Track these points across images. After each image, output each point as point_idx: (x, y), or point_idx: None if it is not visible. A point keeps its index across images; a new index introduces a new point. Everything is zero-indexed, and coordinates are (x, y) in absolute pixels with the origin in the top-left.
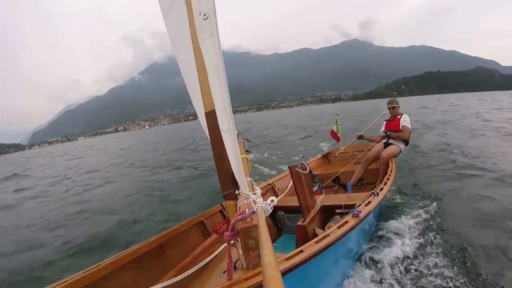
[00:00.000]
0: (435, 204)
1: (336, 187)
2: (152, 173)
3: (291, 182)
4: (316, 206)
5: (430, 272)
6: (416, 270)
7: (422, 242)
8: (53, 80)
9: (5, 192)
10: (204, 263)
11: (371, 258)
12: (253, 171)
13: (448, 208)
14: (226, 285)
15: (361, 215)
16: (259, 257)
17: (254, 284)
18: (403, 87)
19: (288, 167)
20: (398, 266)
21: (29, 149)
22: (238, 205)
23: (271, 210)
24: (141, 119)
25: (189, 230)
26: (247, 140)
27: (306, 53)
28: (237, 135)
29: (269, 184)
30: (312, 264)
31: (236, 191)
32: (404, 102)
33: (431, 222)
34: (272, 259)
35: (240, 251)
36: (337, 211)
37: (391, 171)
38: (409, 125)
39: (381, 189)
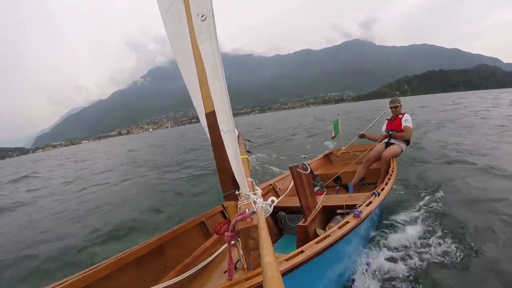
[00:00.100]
0: (434, 201)
1: (338, 187)
2: (165, 172)
3: (292, 182)
4: (317, 207)
5: (431, 272)
6: (417, 270)
7: (423, 242)
8: (56, 84)
9: (18, 191)
10: (204, 264)
11: (372, 258)
12: (263, 171)
13: (447, 205)
14: (227, 286)
15: (362, 215)
16: (260, 257)
17: (254, 284)
18: (405, 86)
19: (289, 167)
20: (399, 266)
21: (33, 152)
22: (239, 206)
23: (271, 210)
24: (144, 123)
25: (190, 230)
26: (248, 140)
27: (307, 54)
28: (238, 136)
29: (270, 184)
30: (313, 264)
31: (237, 191)
32: (406, 102)
33: (432, 221)
34: (272, 259)
35: (241, 251)
36: (338, 211)
37: (392, 171)
38: (411, 125)
39: (382, 189)
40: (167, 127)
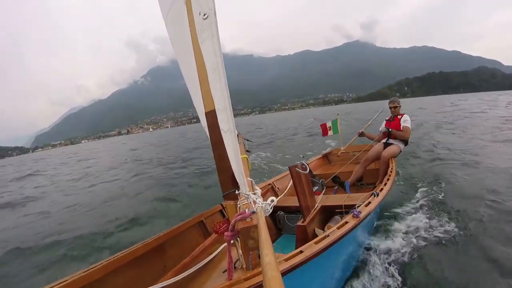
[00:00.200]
0: (430, 198)
1: (336, 187)
2: (172, 168)
3: (291, 182)
4: (316, 206)
5: (429, 271)
6: (416, 270)
7: (422, 242)
8: (56, 84)
9: (25, 188)
10: (203, 263)
11: (371, 259)
12: (263, 171)
13: (442, 201)
14: (226, 285)
15: (361, 215)
16: (259, 257)
17: (254, 284)
18: (405, 88)
19: (288, 167)
20: (398, 266)
21: (32, 152)
22: (238, 205)
23: (271, 210)
24: (144, 122)
25: (189, 230)
26: (248, 140)
27: (308, 55)
28: (238, 135)
29: (269, 184)
30: (312, 264)
31: (236, 191)
32: (406, 104)
33: (431, 221)
34: (272, 259)
35: (240, 251)
36: (337, 211)
37: (391, 171)
38: (409, 125)
39: (381, 189)
40: (167, 127)
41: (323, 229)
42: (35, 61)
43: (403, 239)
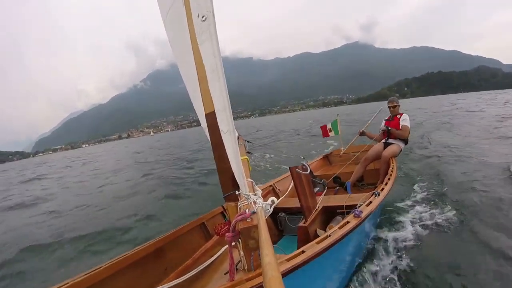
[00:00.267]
0: (430, 193)
1: (337, 187)
2: (180, 167)
3: (292, 183)
4: (317, 207)
5: (432, 269)
6: (418, 268)
7: (424, 241)
8: (57, 88)
9: (33, 190)
10: (205, 265)
11: (373, 259)
12: (264, 172)
13: (442, 195)
14: (228, 286)
15: (363, 215)
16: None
17: (255, 285)
18: (405, 88)
19: (289, 168)
20: (401, 264)
21: (33, 156)
22: (239, 206)
23: (271, 210)
24: (144, 126)
25: (190, 232)
26: (248, 141)
27: (307, 57)
28: (238, 136)
29: (270, 185)
30: (314, 264)
31: (237, 192)
32: (406, 104)
33: (430, 215)
34: (272, 260)
35: (242, 252)
36: (338, 211)
37: (392, 171)
38: (408, 124)
39: (382, 189)
40: (168, 130)
41: (324, 230)
42: (35, 61)
43: (404, 237)
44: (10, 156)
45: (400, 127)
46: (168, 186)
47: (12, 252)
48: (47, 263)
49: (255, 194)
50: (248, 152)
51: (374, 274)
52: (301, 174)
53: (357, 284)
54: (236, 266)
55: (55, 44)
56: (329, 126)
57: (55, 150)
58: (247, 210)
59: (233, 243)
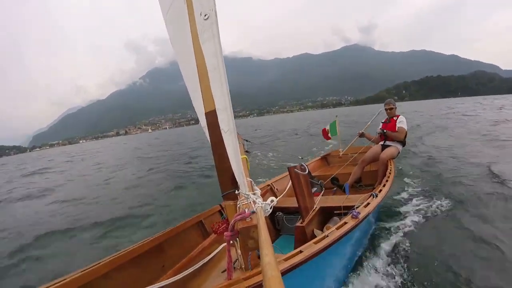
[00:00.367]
0: (424, 194)
1: (335, 188)
2: (183, 163)
3: (290, 183)
4: (314, 207)
5: (429, 271)
6: (416, 269)
7: (421, 242)
8: (55, 84)
9: (39, 182)
10: (202, 263)
11: (370, 259)
12: (261, 171)
13: (434, 191)
14: (225, 285)
15: (360, 216)
16: (258, 257)
17: (253, 284)
18: (403, 91)
19: (287, 168)
20: (397, 266)
21: (30, 151)
22: (238, 205)
23: (270, 210)
24: (142, 123)
25: (188, 230)
26: (247, 140)
27: (307, 58)
28: (237, 135)
29: (268, 185)
30: (312, 264)
31: (236, 191)
32: (404, 107)
33: (429, 219)
34: (272, 259)
35: (239, 251)
36: (335, 212)
37: (390, 173)
38: (405, 126)
39: (380, 190)
40: (166, 128)
41: (322, 230)
42: (35, 61)
43: (401, 237)
44: (7, 151)
45: (396, 129)
46: (175, 179)
47: (29, 238)
48: (66, 248)
49: (254, 194)
50: (247, 151)
51: (371, 275)
52: (299, 174)
53: (354, 284)
54: (234, 264)
55: (55, 44)
56: (327, 127)
57: (52, 145)
58: (246, 210)
59: (231, 242)
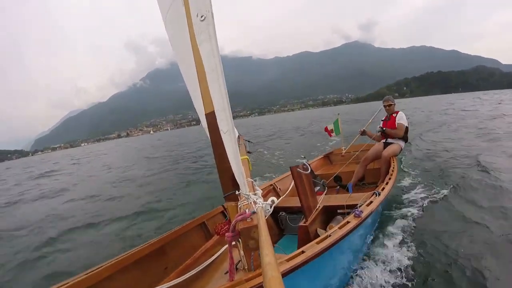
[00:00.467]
0: (423, 183)
1: (338, 187)
2: (192, 161)
3: (293, 182)
4: (317, 207)
5: (432, 270)
6: (419, 268)
7: (425, 241)
8: (56, 87)
9: (51, 183)
10: (205, 265)
11: (374, 258)
12: (263, 171)
13: (431, 184)
14: (227, 286)
15: (363, 215)
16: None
17: (255, 285)
18: (404, 88)
19: (290, 167)
20: (401, 264)
21: (32, 155)
22: (239, 206)
23: (271, 210)
24: (143, 125)
25: (191, 231)
26: (249, 141)
27: (307, 57)
28: (238, 136)
29: (271, 184)
30: (314, 264)
31: (237, 191)
32: (406, 103)
33: (431, 219)
34: (272, 260)
35: (242, 252)
36: (339, 211)
37: (392, 171)
38: (404, 122)
39: (383, 188)
40: (167, 129)
41: (325, 229)
42: (35, 61)
43: (404, 234)
44: (9, 155)
45: (396, 125)
46: (187, 176)
47: (54, 233)
48: (92, 240)
49: (255, 194)
50: (249, 152)
51: (374, 274)
52: (301, 174)
53: (358, 284)
54: (236, 266)
55: (55, 44)
56: (330, 126)
57: (54, 149)
58: (247, 210)
59: (233, 243)
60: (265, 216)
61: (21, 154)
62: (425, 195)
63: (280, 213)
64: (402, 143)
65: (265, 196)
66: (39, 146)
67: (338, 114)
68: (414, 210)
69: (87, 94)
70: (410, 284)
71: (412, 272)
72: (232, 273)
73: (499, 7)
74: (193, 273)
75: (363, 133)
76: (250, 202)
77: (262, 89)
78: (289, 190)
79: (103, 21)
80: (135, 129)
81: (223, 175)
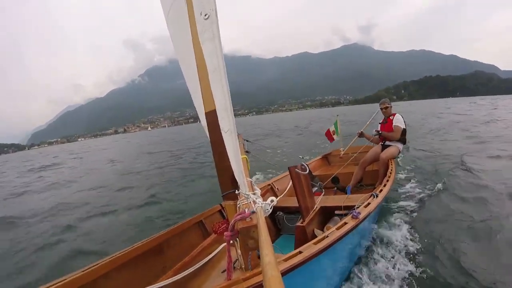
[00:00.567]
0: (426, 199)
1: (335, 189)
2: (196, 155)
3: (291, 182)
4: (315, 207)
5: (429, 271)
6: (416, 269)
7: (422, 242)
8: (54, 82)
9: (51, 175)
10: (203, 263)
11: (370, 260)
12: (260, 171)
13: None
14: (225, 285)
15: (361, 216)
16: (258, 257)
17: (253, 284)
18: (402, 91)
19: (288, 167)
20: (397, 266)
21: (28, 149)
22: (238, 205)
23: (270, 210)
24: (141, 122)
25: (188, 230)
26: (247, 140)
27: (306, 57)
28: (238, 135)
29: (268, 184)
30: (311, 265)
31: (236, 191)
32: (404, 106)
33: (428, 219)
34: (272, 259)
35: (239, 251)
36: (336, 212)
37: (390, 173)
38: (401, 125)
39: (381, 190)
40: (165, 126)
41: (322, 230)
42: (35, 61)
43: (401, 238)
44: (5, 149)
45: (392, 128)
46: (196, 170)
47: (71, 219)
48: (110, 224)
49: (254, 194)
50: (247, 151)
51: (371, 275)
52: (299, 174)
53: (354, 285)
54: (233, 264)
55: (55, 44)
56: (332, 128)
57: (50, 143)
58: (246, 210)
59: (231, 242)
60: (264, 216)
61: (17, 148)
62: (421, 196)
63: (278, 212)
64: (400, 146)
65: (263, 196)
66: (36, 140)
67: (337, 115)
68: (411, 211)
69: (85, 90)
70: (407, 284)
71: (410, 273)
72: (230, 272)
73: (498, 13)
74: (190, 271)
75: (361, 135)
76: (250, 202)
77: (260, 88)
78: (287, 190)
79: (103, 21)
80: (133, 125)
81: (223, 174)
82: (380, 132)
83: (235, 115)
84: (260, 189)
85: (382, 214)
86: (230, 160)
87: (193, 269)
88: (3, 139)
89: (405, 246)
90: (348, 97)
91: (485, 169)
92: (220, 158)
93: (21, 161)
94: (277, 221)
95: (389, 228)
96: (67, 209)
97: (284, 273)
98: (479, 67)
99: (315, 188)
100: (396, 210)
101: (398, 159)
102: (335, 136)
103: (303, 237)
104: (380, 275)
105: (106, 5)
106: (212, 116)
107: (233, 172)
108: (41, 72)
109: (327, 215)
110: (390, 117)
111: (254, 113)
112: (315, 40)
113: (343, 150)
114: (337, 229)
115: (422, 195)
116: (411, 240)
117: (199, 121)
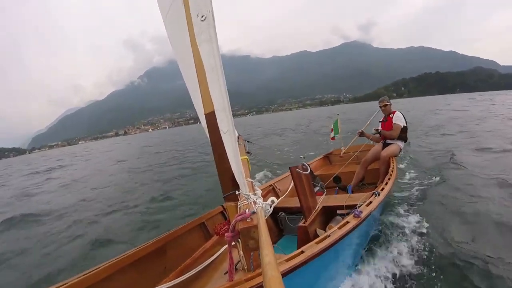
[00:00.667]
0: (428, 197)
1: (337, 189)
2: (204, 154)
3: (292, 183)
4: (317, 207)
5: (433, 271)
6: (418, 268)
7: (423, 241)
8: (54, 84)
9: (60, 176)
10: (205, 265)
11: (373, 258)
12: (262, 172)
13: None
14: (227, 286)
15: (362, 215)
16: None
17: (255, 285)
18: (402, 88)
19: (289, 168)
20: (399, 265)
21: (29, 153)
22: (239, 206)
23: (271, 210)
24: (141, 123)
25: (190, 231)
26: (248, 141)
27: (305, 56)
28: (238, 136)
29: (270, 185)
30: (313, 264)
31: (237, 192)
32: (404, 103)
33: (430, 219)
34: (272, 260)
35: (241, 252)
36: (338, 211)
37: (392, 171)
38: (401, 123)
39: (382, 189)
40: (165, 127)
41: (324, 230)
42: (35, 61)
43: (403, 236)
44: (6, 153)
45: (392, 126)
46: (206, 168)
47: (92, 214)
48: (130, 220)
49: (254, 194)
50: (248, 152)
51: (374, 274)
52: (301, 174)
53: (357, 284)
54: (236, 266)
55: (55, 44)
56: (331, 127)
57: (51, 147)
58: (247, 210)
59: (233, 243)
60: (265, 216)
61: (18, 152)
62: (422, 195)
63: (280, 213)
64: (401, 144)
65: (264, 197)
66: (36, 144)
67: (338, 114)
68: (413, 209)
69: (85, 92)
70: (409, 284)
71: (412, 273)
72: (232, 273)
73: (497, 9)
74: (192, 273)
75: (362, 134)
76: (250, 202)
77: (260, 88)
78: (288, 191)
79: (103, 21)
80: (133, 127)
81: (223, 175)
82: (379, 130)
83: (235, 115)
84: (261, 189)
85: (384, 211)
86: (230, 161)
87: (195, 271)
88: (3, 143)
89: (409, 245)
90: (347, 95)
91: (475, 162)
92: (220, 160)
93: (25, 165)
94: (280, 221)
95: (391, 226)
96: (86, 205)
97: (286, 273)
98: (479, 63)
99: (317, 188)
100: (398, 206)
101: (401, 154)
102: (332, 134)
103: (305, 237)
104: (384, 273)
105: (106, 5)
106: (211, 117)
107: (233, 173)
108: (41, 72)
109: (329, 215)
110: (390, 115)
111: (254, 113)
112: (315, 39)
113: (344, 149)
114: (339, 228)
115: (426, 196)
116: (414, 237)
117: (199, 122)
